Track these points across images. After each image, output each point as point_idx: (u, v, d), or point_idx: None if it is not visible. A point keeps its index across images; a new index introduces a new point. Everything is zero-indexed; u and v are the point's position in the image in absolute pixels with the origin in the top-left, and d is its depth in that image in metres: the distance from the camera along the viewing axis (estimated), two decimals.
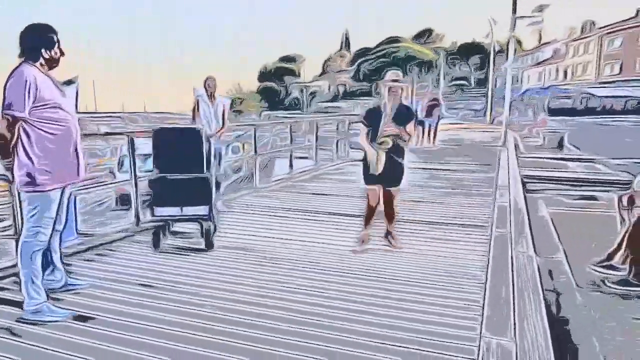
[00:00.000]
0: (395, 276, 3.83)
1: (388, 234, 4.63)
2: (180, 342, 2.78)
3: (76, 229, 5.25)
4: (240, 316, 3.10)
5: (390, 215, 4.57)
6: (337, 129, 11.30)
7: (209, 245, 4.44)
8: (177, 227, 4.79)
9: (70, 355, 2.65)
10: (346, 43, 65.82)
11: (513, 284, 3.64)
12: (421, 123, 13.97)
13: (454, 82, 52.04)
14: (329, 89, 60.66)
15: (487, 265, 4.06)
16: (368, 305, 3.28)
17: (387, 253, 4.41)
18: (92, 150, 12.36)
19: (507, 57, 20.52)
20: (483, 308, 3.24)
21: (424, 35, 57.94)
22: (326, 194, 7.14)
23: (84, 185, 5.26)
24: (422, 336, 2.85)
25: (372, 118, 4.29)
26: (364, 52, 58.49)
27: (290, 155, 9.14)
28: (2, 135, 2.95)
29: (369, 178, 4.37)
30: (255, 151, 7.44)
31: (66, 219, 3.58)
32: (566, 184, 10.54)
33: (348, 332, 2.89)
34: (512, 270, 3.93)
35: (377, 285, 3.64)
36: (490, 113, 32.01)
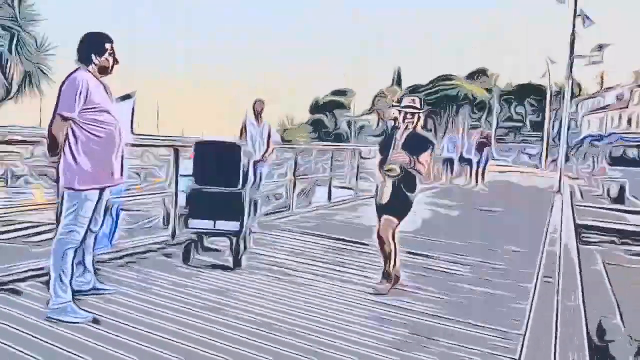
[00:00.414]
0: (425, 313, 3.62)
1: (386, 276, 4.06)
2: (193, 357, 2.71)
3: (111, 241, 5.36)
4: (256, 334, 3.02)
5: (384, 250, 4.04)
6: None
7: (237, 263, 4.40)
8: (210, 244, 4.80)
9: (80, 357, 2.63)
10: (397, 79, 66.23)
11: (556, 338, 3.34)
12: (468, 161, 13.60)
13: (507, 124, 50.82)
14: (377, 124, 60.87)
15: (529, 315, 3.75)
16: (392, 336, 3.09)
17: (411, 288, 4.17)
18: (149, 169, 12.82)
19: (564, 100, 19.84)
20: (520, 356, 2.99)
21: (477, 74, 57.34)
22: (362, 224, 6.98)
23: (130, 195, 5.43)
24: None
25: (386, 145, 4.05)
26: (415, 88, 58.51)
27: (330, 183, 9.09)
28: (53, 133, 3.08)
29: (377, 208, 4.09)
30: (294, 175, 7.46)
31: (102, 225, 3.66)
32: (626, 238, 9.82)
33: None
34: (556, 323, 3.62)
35: (406, 317, 3.48)
36: (546, 158, 30.83)
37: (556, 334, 3.43)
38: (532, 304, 3.99)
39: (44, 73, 7.59)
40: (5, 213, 10.22)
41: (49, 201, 3.67)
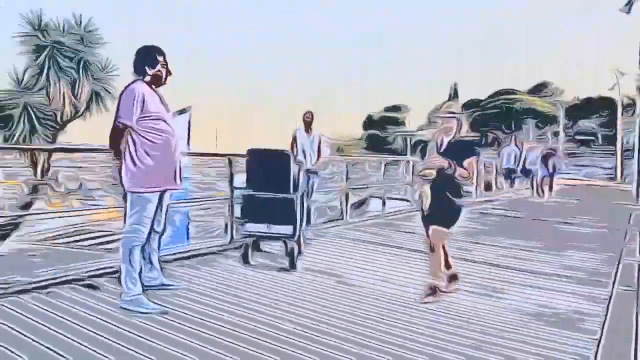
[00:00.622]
0: (486, 321, 3.54)
1: (430, 288, 3.92)
2: (250, 345, 2.88)
3: (187, 237, 5.77)
4: (305, 333, 3.14)
5: (434, 261, 3.95)
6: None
7: (292, 265, 4.57)
8: (266, 247, 5.01)
9: (150, 341, 2.87)
10: (454, 94, 65.01)
11: (636, 348, 3.16)
12: (530, 173, 13.15)
13: (577, 137, 48.36)
14: (434, 139, 59.76)
15: (604, 323, 3.58)
16: (449, 345, 3.10)
17: (482, 297, 4.10)
18: (212, 185, 13.40)
19: (636, 112, 18.74)
20: None
21: (540, 88, 55.18)
22: (416, 233, 6.95)
23: (194, 200, 5.78)
24: None
25: (427, 152, 3.99)
26: (473, 103, 57.15)
27: (384, 194, 9.13)
28: (113, 140, 3.41)
29: (423, 217, 4.03)
30: (346, 186, 7.59)
31: (165, 225, 3.95)
32: None
33: None
34: (637, 333, 3.42)
35: (464, 326, 3.40)
36: (622, 170, 29.00)
37: (636, 343, 3.24)
38: (607, 311, 3.83)
39: (109, 92, 8.26)
40: (82, 223, 11.17)
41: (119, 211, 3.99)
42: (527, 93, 54.23)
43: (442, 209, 3.85)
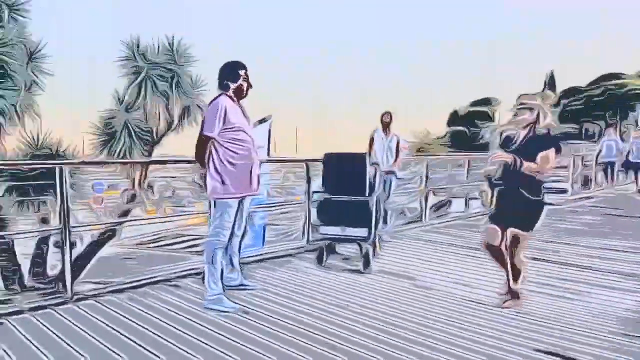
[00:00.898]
0: (567, 324, 3.37)
1: (508, 292, 3.74)
2: (321, 345, 2.96)
3: (263, 241, 6.05)
4: (375, 335, 3.16)
5: (512, 266, 3.69)
6: None
7: (366, 266, 4.59)
8: (342, 249, 5.08)
9: (230, 339, 3.04)
10: (551, 82, 60.59)
11: None
12: (635, 167, 11.76)
13: None
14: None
15: None
16: (526, 350, 2.97)
17: (565, 300, 3.88)
18: (290, 188, 13.84)
19: None
20: None
21: None
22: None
23: (272, 204, 6.04)
24: None
25: (501, 147, 3.71)
26: (572, 91, 52.87)
27: (467, 194, 8.79)
28: (200, 149, 3.66)
29: (491, 216, 3.77)
30: (425, 185, 7.42)
31: (245, 229, 4.16)
32: None
33: None
34: None
35: (542, 330, 3.26)
36: None
37: None
38: None
39: (199, 107, 8.85)
40: (173, 228, 12.06)
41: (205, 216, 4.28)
42: (636, 77, 49.10)
43: (516, 208, 3.58)
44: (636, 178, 11.97)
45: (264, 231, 5.81)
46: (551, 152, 3.50)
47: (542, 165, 3.48)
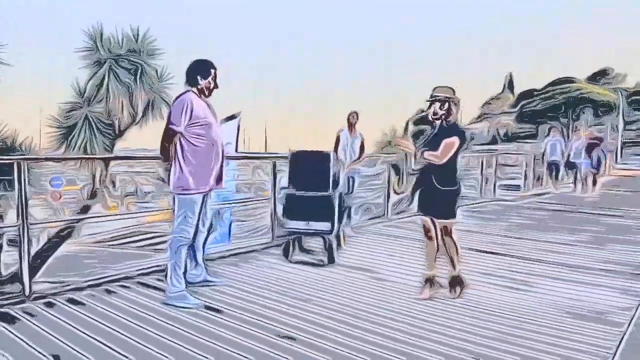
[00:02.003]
0: (513, 313, 3.56)
1: (451, 281, 3.87)
2: (284, 338, 3.04)
3: (229, 237, 6.05)
4: (335, 326, 3.25)
5: (427, 252, 3.92)
6: (482, 166, 10.82)
7: (331, 260, 4.74)
8: (308, 244, 5.16)
9: (195, 336, 3.06)
10: (509, 85, 62.49)
11: None
12: (574, 166, 12.10)
13: (638, 126, 45.34)
14: (487, 132, 57.96)
15: (633, 316, 3.52)
16: (475, 337, 3.13)
17: (511, 290, 4.10)
18: (260, 184, 13.79)
19: None
20: (614, 356, 2.85)
21: (601, 76, 52.09)
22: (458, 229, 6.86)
23: (240, 201, 6.05)
24: None
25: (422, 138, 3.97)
26: (529, 93, 54.78)
27: None
28: (163, 143, 3.66)
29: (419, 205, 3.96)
30: (388, 183, 7.61)
31: (211, 225, 4.18)
32: None
33: None
34: None
35: (491, 320, 3.44)
36: None
37: None
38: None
39: (164, 101, 8.71)
40: (136, 225, 11.80)
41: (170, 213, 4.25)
42: (586, 81, 51.44)
43: (432, 198, 3.79)
44: (574, 178, 12.38)
45: (230, 227, 5.83)
46: (452, 140, 3.67)
47: (443, 152, 3.66)
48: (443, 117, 3.75)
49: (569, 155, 12.29)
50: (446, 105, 3.73)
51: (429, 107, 3.80)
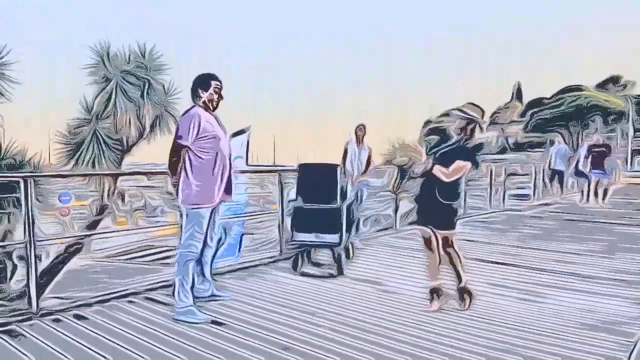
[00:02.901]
0: (523, 324, 3.51)
1: (459, 292, 3.86)
2: (294, 353, 3.01)
3: (239, 250, 6.04)
4: (342, 339, 3.22)
5: (451, 265, 3.90)
6: (491, 176, 10.74)
7: (340, 271, 4.74)
8: (317, 257, 5.17)
9: (203, 351, 3.04)
10: (518, 94, 62.34)
11: None
12: (581, 174, 11.41)
13: None
14: (497, 141, 57.70)
15: None
16: (485, 349, 3.08)
17: (521, 301, 4.05)
18: (268, 196, 13.79)
19: None
20: None
21: (610, 83, 51.78)
22: (467, 240, 6.80)
23: (248, 215, 6.06)
24: None
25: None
26: (538, 102, 54.57)
27: None
28: (172, 158, 3.68)
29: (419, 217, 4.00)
30: (396, 193, 7.57)
31: (219, 239, 4.18)
32: None
33: None
34: None
35: (500, 331, 3.39)
36: None
37: None
38: None
39: (171, 115, 8.78)
40: (145, 239, 11.84)
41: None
42: (595, 88, 51.15)
43: (432, 210, 3.80)
44: (588, 188, 11.61)
45: (241, 240, 5.81)
46: (466, 164, 3.67)
47: (451, 173, 3.65)
48: (465, 137, 3.73)
49: (577, 163, 11.75)
50: (473, 125, 3.71)
51: (459, 123, 3.72)
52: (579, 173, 11.74)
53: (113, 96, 8.82)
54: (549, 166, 12.44)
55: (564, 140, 13.19)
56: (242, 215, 6.13)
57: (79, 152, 8.39)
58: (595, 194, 11.03)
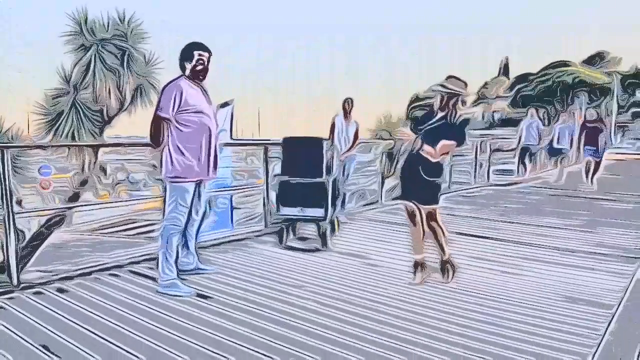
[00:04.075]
0: (504, 296, 3.58)
1: (442, 265, 3.91)
2: (280, 325, 3.02)
3: (232, 223, 6.03)
4: (328, 312, 3.24)
5: (435, 239, 3.93)
6: (476, 151, 10.78)
7: (324, 245, 4.75)
8: (302, 231, 5.17)
9: (188, 324, 3.03)
10: (505, 70, 62.29)
11: None
12: (558, 152, 10.86)
13: (632, 110, 45.49)
14: (483, 117, 57.90)
15: (622, 297, 3.55)
16: (467, 321, 3.14)
17: (503, 274, 4.11)
18: (253, 171, 13.72)
19: None
20: (602, 337, 2.87)
21: (596, 59, 51.99)
22: (451, 214, 6.86)
23: (234, 188, 6.03)
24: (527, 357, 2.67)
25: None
26: (524, 77, 54.66)
27: None
28: (152, 130, 3.59)
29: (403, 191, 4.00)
30: (382, 168, 7.59)
31: (204, 213, 4.12)
32: None
33: (430, 349, 2.79)
34: None
35: (482, 303, 3.44)
36: None
37: None
38: (629, 286, 3.81)
39: (153, 86, 8.55)
40: (127, 213, 11.73)
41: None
42: (581, 64, 51.31)
43: (416, 186, 3.81)
44: (555, 164, 11.42)
45: (232, 213, 5.81)
46: (452, 143, 3.68)
47: (439, 152, 3.66)
48: (449, 113, 3.67)
49: (551, 140, 10.99)
50: (455, 99, 3.65)
51: (440, 98, 3.67)
52: (552, 151, 11.13)
53: (92, 65, 8.53)
54: (518, 142, 11.45)
55: (536, 114, 11.68)
56: (226, 189, 6.09)
57: (58, 124, 8.16)
58: (587, 172, 10.20)
